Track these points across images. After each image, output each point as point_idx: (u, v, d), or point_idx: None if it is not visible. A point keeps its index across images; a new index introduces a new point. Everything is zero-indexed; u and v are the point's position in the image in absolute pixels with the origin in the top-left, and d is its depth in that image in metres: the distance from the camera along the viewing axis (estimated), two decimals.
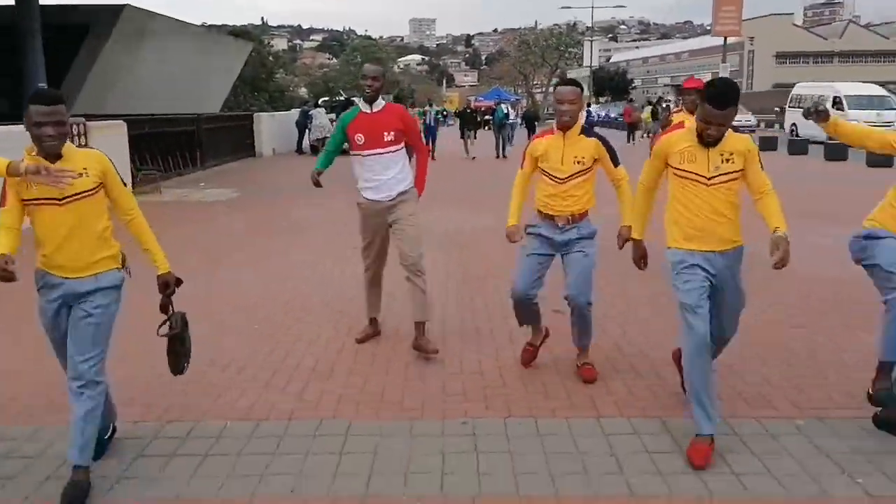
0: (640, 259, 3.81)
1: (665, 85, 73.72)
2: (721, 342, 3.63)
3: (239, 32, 52.20)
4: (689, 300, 3.28)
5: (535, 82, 66.14)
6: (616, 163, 4.11)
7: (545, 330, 4.57)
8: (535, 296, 4.27)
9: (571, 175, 4.04)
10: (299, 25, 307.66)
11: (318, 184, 4.98)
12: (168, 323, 3.46)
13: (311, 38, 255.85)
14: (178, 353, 3.51)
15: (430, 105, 26.45)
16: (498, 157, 22.06)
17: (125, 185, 3.27)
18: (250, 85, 41.18)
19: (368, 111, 4.67)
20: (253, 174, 18.68)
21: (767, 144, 22.89)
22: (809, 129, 21.50)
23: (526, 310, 4.36)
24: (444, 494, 3.09)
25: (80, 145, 15.18)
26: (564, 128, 4.03)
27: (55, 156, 3.00)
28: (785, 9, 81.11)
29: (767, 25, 71.26)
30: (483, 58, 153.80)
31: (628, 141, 27.87)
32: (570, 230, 4.11)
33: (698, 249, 3.36)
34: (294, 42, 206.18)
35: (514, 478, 3.20)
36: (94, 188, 3.07)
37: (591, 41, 54.78)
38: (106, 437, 3.45)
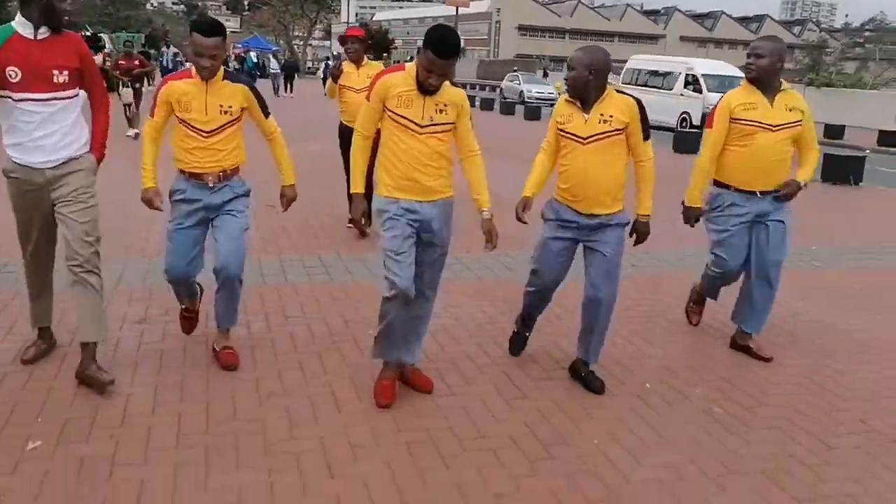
0: (361, 216, 3.55)
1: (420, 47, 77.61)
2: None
3: None
4: (393, 246, 3.24)
5: (295, 33, 66.60)
6: (267, 114, 3.72)
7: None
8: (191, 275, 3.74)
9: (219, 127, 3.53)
10: None
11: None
12: None
13: None
14: None
15: (168, 46, 26.26)
16: None
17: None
18: None
19: (31, 36, 3.21)
20: None
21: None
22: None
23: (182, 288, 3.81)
24: None
25: None
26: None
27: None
28: None
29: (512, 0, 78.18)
30: (246, 3, 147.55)
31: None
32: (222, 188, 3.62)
33: (405, 198, 3.28)
34: None
35: None
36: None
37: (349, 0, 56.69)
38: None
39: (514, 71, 38.99)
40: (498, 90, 30.84)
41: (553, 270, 3.73)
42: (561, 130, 3.55)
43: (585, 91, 3.47)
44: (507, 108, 26.57)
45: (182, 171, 3.58)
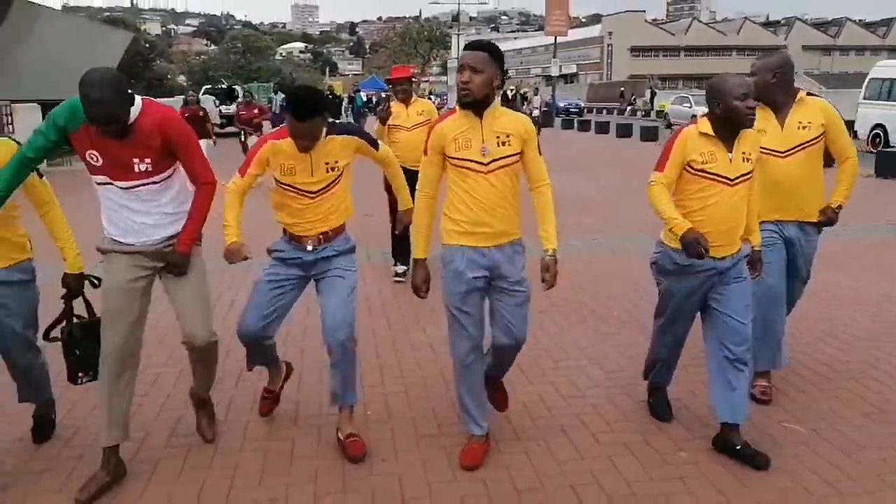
0: (423, 282, 3.15)
1: (536, 75, 78.91)
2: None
3: (115, 20, 52.21)
4: (457, 302, 3.05)
5: None
6: (377, 147, 3.46)
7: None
8: None
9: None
10: (173, 9, 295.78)
11: None
12: (61, 327, 3.17)
13: (187, 22, 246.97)
14: (74, 358, 3.17)
15: (276, 92, 26.80)
16: None
17: (41, 176, 3.08)
18: (127, 73, 42.05)
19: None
20: None
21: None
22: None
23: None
24: None
25: (5, 128, 16.71)
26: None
27: None
28: (644, 5, 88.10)
29: (623, 22, 77.90)
30: (367, 46, 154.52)
31: None
32: None
33: (472, 245, 3.03)
34: (168, 27, 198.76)
35: None
36: None
37: (458, 35, 58.59)
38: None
39: (682, 94, 34.01)
40: (639, 114, 29.07)
41: (686, 325, 3.46)
42: (700, 171, 3.12)
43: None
44: (624, 131, 25.37)
45: (285, 231, 3.32)
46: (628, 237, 7.98)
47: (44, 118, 2.92)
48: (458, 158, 2.99)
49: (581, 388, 4.01)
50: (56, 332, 3.20)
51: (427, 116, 6.14)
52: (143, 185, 2.94)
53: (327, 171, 3.19)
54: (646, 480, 3.07)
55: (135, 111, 2.82)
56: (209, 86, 34.99)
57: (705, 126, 3.15)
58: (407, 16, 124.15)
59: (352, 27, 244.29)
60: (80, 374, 3.18)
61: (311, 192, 3.20)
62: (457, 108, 3.03)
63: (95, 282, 3.16)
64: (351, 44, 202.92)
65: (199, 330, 3.10)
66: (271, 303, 3.27)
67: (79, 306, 3.26)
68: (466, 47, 2.99)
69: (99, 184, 2.95)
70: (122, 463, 3.09)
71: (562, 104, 41.55)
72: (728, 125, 3.10)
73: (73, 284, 3.12)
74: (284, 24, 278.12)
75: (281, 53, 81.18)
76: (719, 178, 3.11)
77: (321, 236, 3.26)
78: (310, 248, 3.25)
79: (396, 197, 3.62)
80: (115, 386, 2.98)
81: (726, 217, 3.14)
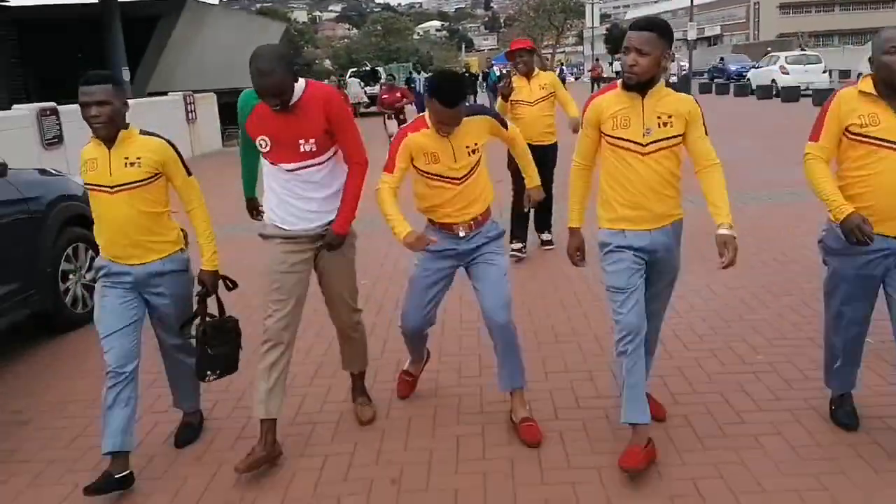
0: (577, 251, 3.19)
1: (676, 39, 75.91)
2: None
3: (267, 12, 56.05)
4: (619, 283, 2.93)
5: (545, 43, 69.44)
6: (507, 126, 3.47)
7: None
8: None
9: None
10: None
11: (256, 213, 3.54)
12: (194, 324, 3.26)
13: (330, 8, 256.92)
14: (202, 355, 3.25)
15: (418, 72, 25.48)
16: None
17: (189, 174, 3.15)
18: None
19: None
20: None
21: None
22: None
23: None
24: None
25: (189, 116, 19.21)
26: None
27: (108, 140, 2.97)
28: None
29: None
30: (502, 20, 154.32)
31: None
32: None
33: (631, 229, 2.93)
34: (313, 14, 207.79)
35: None
36: (145, 179, 3.00)
37: (592, 4, 57.94)
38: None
39: None
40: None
41: (865, 311, 3.07)
42: (860, 135, 2.83)
43: None
44: (764, 93, 24.40)
45: (431, 221, 3.33)
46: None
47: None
48: (614, 137, 2.89)
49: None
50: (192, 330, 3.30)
51: (550, 90, 6.00)
52: (307, 166, 3.07)
53: (469, 155, 3.20)
54: None
55: (298, 90, 2.99)
56: (354, 69, 37.25)
57: (867, 85, 2.85)
58: None
59: (486, 2, 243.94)
60: (208, 372, 3.28)
61: (456, 179, 3.20)
62: (617, 84, 2.94)
63: (230, 284, 3.28)
64: (486, 19, 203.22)
65: (345, 315, 3.40)
66: (429, 297, 3.38)
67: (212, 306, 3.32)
68: (632, 27, 2.82)
69: (268, 166, 3.14)
70: (278, 444, 3.19)
71: (733, 67, 37.13)
72: (886, 84, 2.80)
73: (209, 282, 3.19)
74: (420, 2, 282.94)
75: (418, 33, 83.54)
76: (885, 143, 2.78)
77: (472, 222, 3.28)
78: (462, 234, 3.27)
79: (523, 174, 3.61)
80: (273, 366, 3.12)
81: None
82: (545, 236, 6.62)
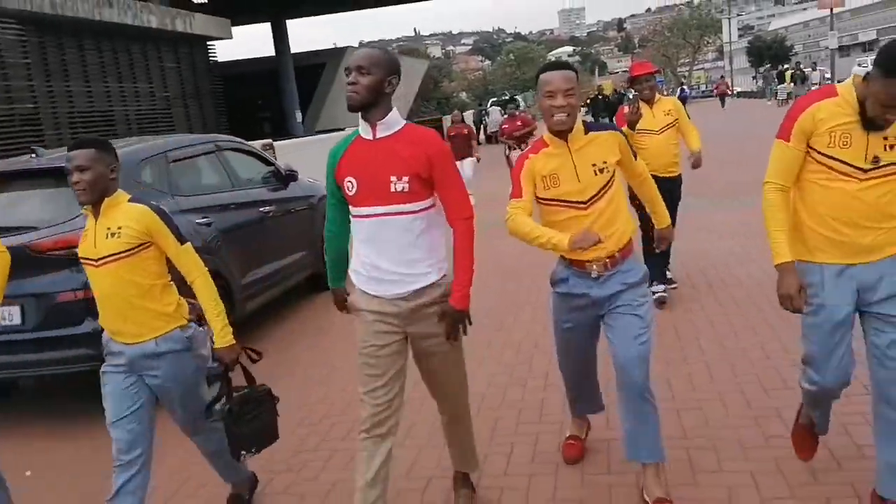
0: (799, 292, 2.60)
1: (826, 48, 72.99)
2: None
3: (406, 50, 59.56)
4: (817, 335, 2.60)
5: (682, 60, 68.92)
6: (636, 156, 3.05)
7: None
8: None
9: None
10: (450, 31, 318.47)
11: (343, 306, 3.00)
12: (218, 404, 3.00)
13: (463, 42, 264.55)
14: (232, 435, 2.97)
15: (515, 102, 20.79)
16: None
17: (183, 242, 2.85)
18: (423, 96, 48.42)
19: (369, 136, 2.65)
20: None
21: None
22: None
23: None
24: None
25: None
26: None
27: (93, 207, 2.81)
28: None
29: None
30: (636, 41, 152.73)
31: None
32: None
33: (832, 262, 2.57)
34: (447, 48, 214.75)
35: None
36: (128, 250, 2.76)
37: (729, 19, 57.13)
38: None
39: None
40: None
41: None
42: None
43: None
44: None
45: (562, 258, 2.96)
46: None
47: None
48: (827, 156, 2.50)
49: None
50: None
51: (674, 116, 5.55)
52: (397, 213, 2.61)
53: (595, 174, 2.80)
54: None
55: (393, 122, 2.61)
56: (494, 98, 39.40)
57: None
58: (677, 2, 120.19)
59: (619, 24, 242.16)
60: (243, 452, 3.02)
61: (581, 203, 2.81)
62: (838, 88, 2.53)
63: (254, 356, 3.05)
64: (619, 40, 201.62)
65: (450, 405, 2.98)
66: (583, 348, 3.12)
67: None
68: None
69: (353, 217, 2.70)
70: None
71: None
72: None
73: (226, 359, 2.89)
74: (552, 30, 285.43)
75: (551, 59, 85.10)
76: None
77: (607, 260, 2.84)
78: (594, 274, 2.85)
79: (650, 213, 3.25)
80: (371, 458, 2.67)
81: None
82: (658, 287, 5.73)
